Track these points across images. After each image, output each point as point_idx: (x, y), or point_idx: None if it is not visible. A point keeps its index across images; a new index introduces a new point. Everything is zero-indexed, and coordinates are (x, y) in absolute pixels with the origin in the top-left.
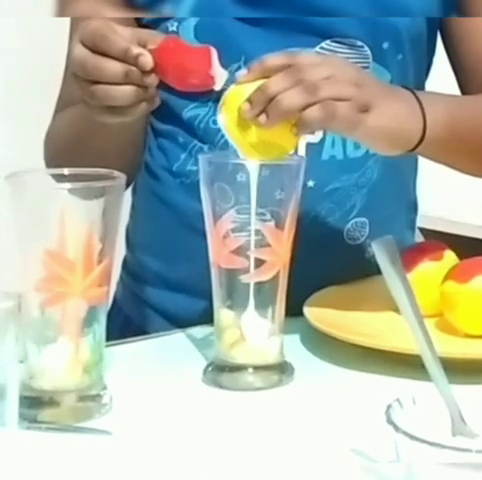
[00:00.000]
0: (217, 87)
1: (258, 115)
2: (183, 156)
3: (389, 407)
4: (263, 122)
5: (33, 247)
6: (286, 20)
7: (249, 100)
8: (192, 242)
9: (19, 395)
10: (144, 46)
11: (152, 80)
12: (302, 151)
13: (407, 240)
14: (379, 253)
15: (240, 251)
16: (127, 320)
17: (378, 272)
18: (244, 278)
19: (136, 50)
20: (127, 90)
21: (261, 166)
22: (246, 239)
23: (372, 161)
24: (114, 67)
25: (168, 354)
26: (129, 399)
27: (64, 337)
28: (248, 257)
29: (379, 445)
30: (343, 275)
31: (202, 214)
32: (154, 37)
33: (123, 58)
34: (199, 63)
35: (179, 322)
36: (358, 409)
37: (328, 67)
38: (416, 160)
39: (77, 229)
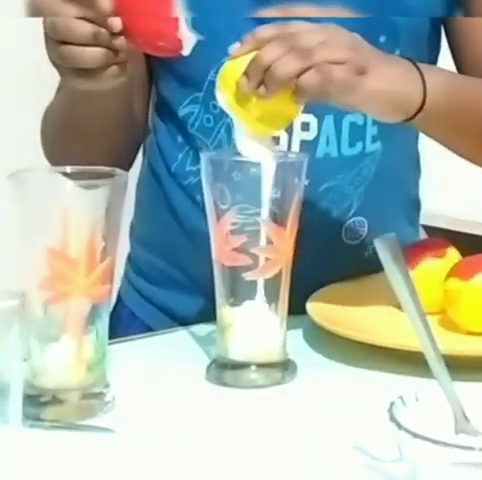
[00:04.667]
0: (185, 51)
1: (257, 87)
2: (180, 156)
3: (392, 405)
4: (263, 93)
5: (36, 245)
6: None
7: (245, 73)
8: (193, 241)
9: (22, 393)
10: None
11: (121, 42)
12: (296, 149)
13: (410, 238)
14: (381, 250)
15: (243, 249)
16: (131, 317)
17: (378, 270)
18: (247, 276)
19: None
20: (96, 52)
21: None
22: (248, 236)
23: (369, 159)
24: (83, 27)
25: (171, 351)
26: (132, 397)
27: (67, 335)
28: (251, 255)
29: (382, 443)
30: (343, 274)
31: (202, 214)
32: None
33: (93, 19)
34: (167, 26)
35: (182, 319)
36: (361, 407)
37: (321, 33)
38: (418, 156)
39: (80, 227)
